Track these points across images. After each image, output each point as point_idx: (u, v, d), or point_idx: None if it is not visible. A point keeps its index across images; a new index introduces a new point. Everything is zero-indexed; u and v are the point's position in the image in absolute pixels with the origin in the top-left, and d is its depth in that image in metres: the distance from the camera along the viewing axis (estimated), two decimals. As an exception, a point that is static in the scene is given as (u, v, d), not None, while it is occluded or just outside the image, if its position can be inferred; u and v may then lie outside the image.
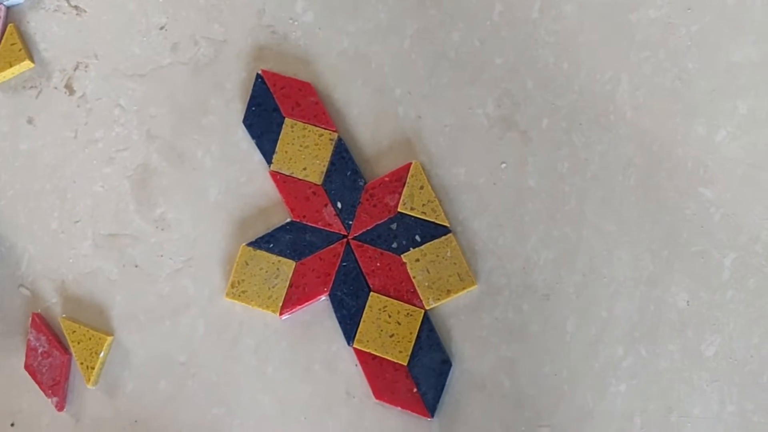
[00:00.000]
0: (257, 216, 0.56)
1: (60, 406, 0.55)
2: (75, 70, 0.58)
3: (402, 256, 0.54)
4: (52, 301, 0.57)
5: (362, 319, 0.54)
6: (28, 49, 0.58)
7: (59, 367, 0.55)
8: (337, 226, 0.55)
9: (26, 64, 0.58)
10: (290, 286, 0.54)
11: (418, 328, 0.53)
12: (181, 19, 0.58)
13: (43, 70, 0.59)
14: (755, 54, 0.55)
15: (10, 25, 0.59)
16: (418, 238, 0.54)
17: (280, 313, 0.54)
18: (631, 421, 0.52)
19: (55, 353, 0.55)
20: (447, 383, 0.53)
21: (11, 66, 0.58)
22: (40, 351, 0.55)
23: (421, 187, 0.55)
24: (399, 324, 0.53)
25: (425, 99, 0.57)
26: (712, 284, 0.53)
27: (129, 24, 0.59)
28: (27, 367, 0.55)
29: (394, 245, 0.54)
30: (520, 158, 0.56)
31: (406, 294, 0.54)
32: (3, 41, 0.58)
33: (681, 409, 0.52)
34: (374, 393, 0.53)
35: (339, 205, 0.55)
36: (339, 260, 0.54)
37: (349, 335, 0.54)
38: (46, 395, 0.55)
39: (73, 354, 0.55)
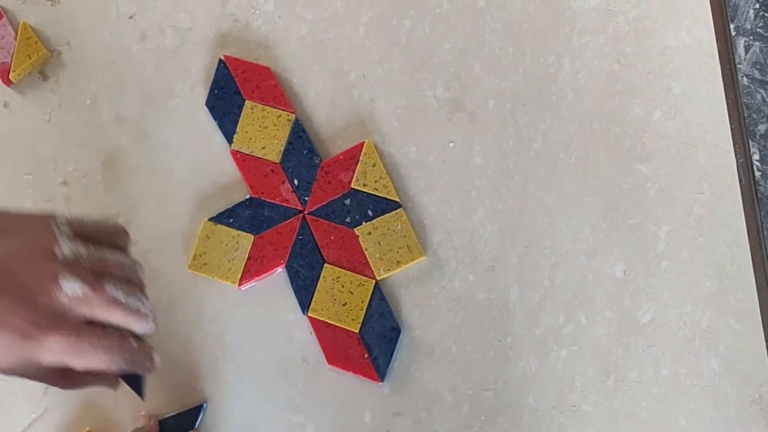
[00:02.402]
0: (219, 193, 0.59)
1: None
2: (49, 56, 0.62)
3: (355, 229, 0.57)
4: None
5: (317, 289, 0.57)
6: (42, 41, 0.61)
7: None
8: (294, 202, 0.58)
9: (44, 54, 0.61)
10: (249, 258, 0.57)
11: (369, 297, 0.56)
12: (149, 9, 0.62)
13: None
14: (688, 38, 0.59)
15: (22, 21, 0.61)
16: (370, 212, 0.57)
17: (239, 284, 0.57)
18: (571, 385, 0.55)
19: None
20: (397, 349, 0.56)
21: (30, 58, 0.61)
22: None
23: (374, 165, 0.58)
24: (351, 293, 0.56)
25: (378, 82, 0.60)
26: (648, 255, 0.56)
27: (100, 13, 0.62)
28: None
29: (348, 219, 0.57)
30: (468, 137, 0.59)
31: (359, 265, 0.57)
32: (19, 37, 0.61)
33: (618, 373, 0.55)
34: (327, 359, 0.56)
35: (296, 182, 0.58)
36: (295, 234, 0.57)
37: (305, 304, 0.57)
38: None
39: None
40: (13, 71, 0.60)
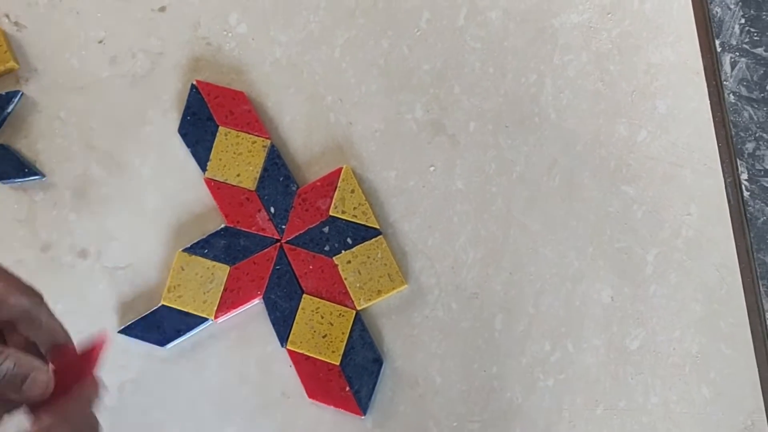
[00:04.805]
0: (193, 222, 0.57)
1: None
2: (16, 84, 0.60)
3: (334, 258, 0.55)
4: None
5: (295, 321, 0.55)
6: (12, 50, 0.59)
7: None
8: (271, 231, 0.56)
9: (12, 66, 0.59)
10: (225, 290, 0.55)
11: (349, 328, 0.54)
12: (119, 33, 0.60)
13: (-16, 85, 0.60)
14: (672, 55, 0.57)
15: None
16: (349, 240, 0.56)
17: (215, 317, 0.55)
18: (559, 415, 0.54)
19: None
20: (379, 381, 0.54)
21: None
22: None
23: (352, 191, 0.56)
24: (331, 325, 0.55)
25: (356, 106, 0.58)
26: (636, 279, 0.55)
27: (68, 38, 0.60)
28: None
29: (327, 248, 0.56)
30: (449, 161, 0.57)
31: (338, 295, 0.55)
32: None
33: (607, 401, 0.54)
34: (308, 393, 0.54)
35: (272, 210, 0.56)
36: (272, 264, 0.56)
37: (283, 337, 0.55)
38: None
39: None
40: None
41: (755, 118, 0.56)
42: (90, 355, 0.40)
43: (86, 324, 0.56)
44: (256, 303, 0.56)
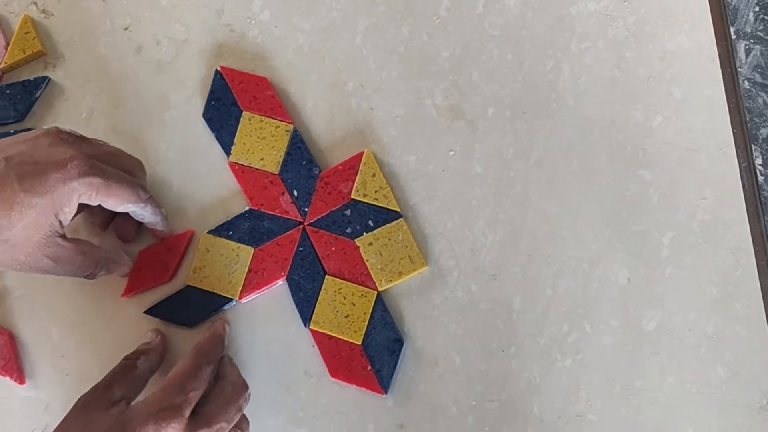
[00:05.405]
0: (217, 205, 0.58)
1: (20, 380, 0.57)
2: (44, 70, 0.61)
3: (356, 240, 0.57)
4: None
5: (318, 302, 0.56)
6: (40, 37, 0.61)
7: (4, 347, 0.57)
8: (294, 213, 0.57)
9: (39, 52, 0.60)
10: (249, 271, 0.57)
11: (371, 308, 0.56)
12: (144, 20, 0.61)
13: (13, 71, 0.61)
14: (687, 42, 0.58)
15: (24, 14, 0.61)
16: (371, 223, 0.57)
17: (240, 298, 0.56)
18: (576, 394, 0.55)
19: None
20: (400, 361, 0.55)
21: (25, 53, 0.60)
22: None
23: (373, 175, 0.57)
24: (353, 305, 0.56)
25: (377, 91, 0.59)
26: (652, 262, 0.56)
27: (94, 25, 0.61)
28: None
29: (348, 230, 0.57)
30: (468, 146, 0.58)
31: (360, 276, 0.56)
32: (18, 29, 0.60)
33: (624, 381, 0.55)
34: (330, 372, 0.55)
35: (295, 193, 0.58)
36: (296, 246, 0.57)
37: (306, 317, 0.56)
38: (2, 376, 0.57)
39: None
40: (4, 63, 0.60)
41: (769, 104, 0.57)
42: (179, 241, 0.57)
43: (112, 302, 0.58)
44: (280, 284, 0.57)
